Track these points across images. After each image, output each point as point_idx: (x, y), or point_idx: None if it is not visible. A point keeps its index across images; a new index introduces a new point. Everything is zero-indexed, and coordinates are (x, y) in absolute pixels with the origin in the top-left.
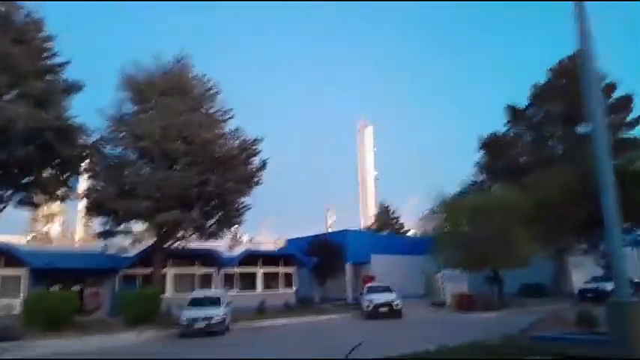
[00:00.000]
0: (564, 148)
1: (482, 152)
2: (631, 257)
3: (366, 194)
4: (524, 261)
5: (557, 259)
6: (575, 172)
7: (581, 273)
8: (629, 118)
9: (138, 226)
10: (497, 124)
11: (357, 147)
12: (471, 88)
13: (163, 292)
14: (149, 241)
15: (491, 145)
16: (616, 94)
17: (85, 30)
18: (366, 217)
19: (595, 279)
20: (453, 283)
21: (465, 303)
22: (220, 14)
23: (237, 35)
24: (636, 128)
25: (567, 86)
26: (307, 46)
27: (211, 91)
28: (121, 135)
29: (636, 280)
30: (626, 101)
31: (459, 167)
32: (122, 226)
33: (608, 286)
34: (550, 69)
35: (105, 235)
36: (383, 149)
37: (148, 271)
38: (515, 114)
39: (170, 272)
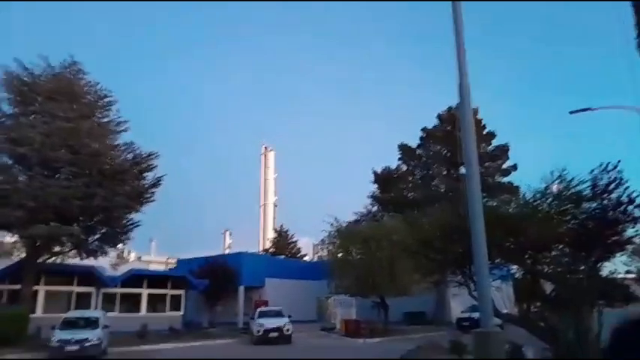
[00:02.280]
0: (446, 187)
1: (375, 185)
2: (502, 290)
3: (266, 218)
4: (407, 289)
5: (437, 289)
6: (454, 210)
7: (459, 303)
8: (505, 166)
9: (8, 238)
10: (391, 159)
11: (260, 171)
12: (368, 123)
13: (33, 311)
14: (19, 254)
15: (384, 178)
16: (495, 143)
17: None
18: (265, 241)
19: (471, 308)
20: (343, 308)
21: (353, 328)
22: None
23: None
24: (511, 175)
25: (452, 132)
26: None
27: (105, 100)
28: None
29: (505, 311)
30: (502, 150)
31: (355, 197)
32: None
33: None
34: (439, 115)
35: None
36: (284, 175)
37: (16, 287)
38: (406, 152)
39: (42, 290)
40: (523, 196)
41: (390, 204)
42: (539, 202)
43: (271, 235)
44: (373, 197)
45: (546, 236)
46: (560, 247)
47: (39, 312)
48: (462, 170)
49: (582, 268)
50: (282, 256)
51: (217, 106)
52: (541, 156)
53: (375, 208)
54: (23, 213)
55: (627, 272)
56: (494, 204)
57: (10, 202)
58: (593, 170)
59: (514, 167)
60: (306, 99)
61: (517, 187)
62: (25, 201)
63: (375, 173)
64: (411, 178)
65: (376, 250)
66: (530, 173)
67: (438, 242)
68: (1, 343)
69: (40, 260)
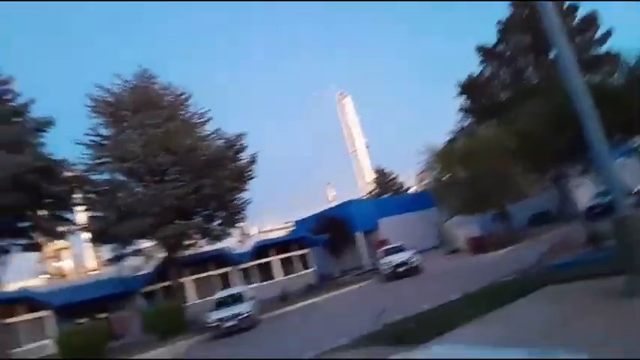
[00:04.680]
0: (539, 76)
1: (463, 97)
2: (628, 167)
3: (359, 163)
4: (525, 193)
5: (557, 184)
6: (555, 98)
7: (584, 192)
8: (597, 35)
9: (146, 244)
10: (473, 67)
11: (340, 119)
12: (439, 38)
13: (186, 300)
14: (160, 255)
15: (470, 87)
16: (579, 16)
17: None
18: (365, 186)
19: (599, 195)
20: (464, 228)
21: (479, 245)
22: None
23: (194, 26)
24: (607, 43)
25: (530, 15)
26: (276, 23)
27: (182, 97)
28: (103, 160)
29: (637, 189)
30: (590, 20)
31: (445, 116)
32: (130, 248)
33: None
34: (511, 3)
35: (115, 259)
36: (365, 116)
37: (167, 283)
38: (486, 53)
39: (189, 280)
40: (626, 64)
41: (482, 112)
42: None
43: (370, 178)
44: (463, 110)
45: None
46: None
47: (191, 300)
48: (552, 55)
49: None
50: (387, 195)
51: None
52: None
53: (467, 122)
54: (151, 219)
55: None
56: (597, 80)
57: (137, 214)
58: None
59: (608, 34)
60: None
61: (617, 55)
62: (150, 209)
63: (459, 85)
64: (497, 80)
65: (481, 163)
66: (631, 33)
67: (545, 136)
68: (166, 333)
69: (178, 255)
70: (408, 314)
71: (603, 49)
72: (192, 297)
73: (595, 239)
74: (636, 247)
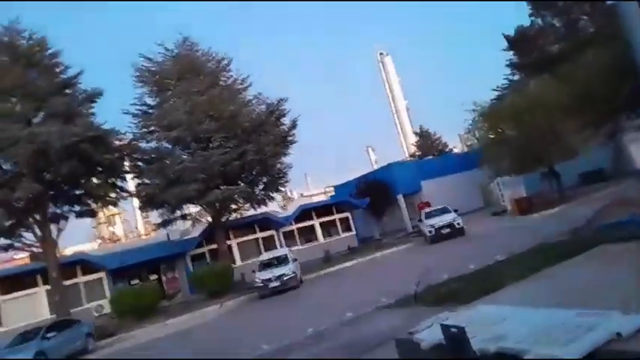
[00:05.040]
0: (596, 25)
1: (511, 51)
2: None
3: (402, 124)
4: (577, 151)
5: (612, 140)
6: (613, 48)
7: None
8: None
9: (193, 209)
10: (522, 19)
11: (382, 79)
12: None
13: (233, 262)
14: (207, 219)
15: (520, 40)
16: None
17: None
18: (408, 147)
19: None
20: (510, 188)
21: (526, 206)
22: None
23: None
24: None
25: None
26: None
27: (223, 63)
28: (151, 129)
29: None
30: None
31: (491, 73)
32: (178, 212)
33: None
34: None
35: (164, 224)
36: (408, 74)
37: (213, 246)
38: (538, 2)
39: (234, 243)
40: None
41: (532, 67)
42: None
43: (412, 139)
44: (512, 65)
45: None
46: None
47: (237, 262)
48: (609, 1)
49: None
50: (430, 157)
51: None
52: None
53: (516, 77)
54: (198, 185)
55: None
56: None
57: (185, 180)
58: None
59: None
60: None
61: None
62: (196, 175)
63: (507, 38)
64: (550, 30)
65: (530, 120)
66: None
67: (603, 88)
68: (216, 293)
69: (224, 219)
70: (452, 275)
71: None
72: (238, 259)
73: None
74: None
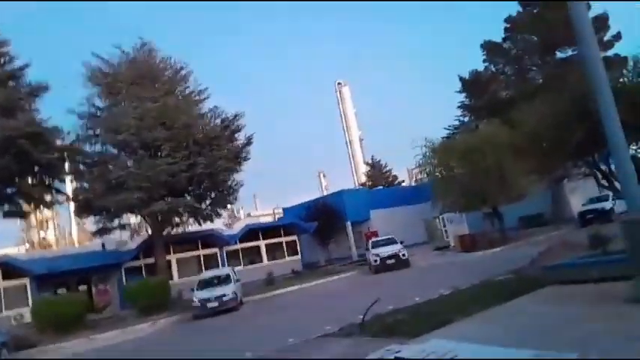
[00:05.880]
0: (545, 76)
1: (464, 93)
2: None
3: (354, 153)
4: (522, 193)
5: (555, 186)
6: (562, 98)
7: (579, 197)
8: (606, 38)
9: (133, 219)
10: (477, 63)
11: (338, 108)
12: (445, 34)
13: (171, 278)
14: (147, 231)
15: (473, 83)
16: (589, 15)
17: (35, 29)
18: (358, 176)
19: (592, 200)
20: (454, 225)
21: (469, 243)
22: None
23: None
24: (615, 46)
25: (539, 14)
26: (274, 11)
27: (182, 72)
28: (97, 132)
29: None
30: (600, 21)
31: (443, 112)
32: (116, 221)
33: (607, 205)
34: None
35: (100, 232)
36: (364, 105)
37: (151, 260)
38: (492, 49)
39: (174, 258)
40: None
41: (482, 110)
42: None
43: (364, 169)
44: (463, 107)
45: None
46: None
47: (175, 278)
48: (559, 55)
49: None
50: (380, 187)
51: (288, 50)
52: None
53: (467, 118)
54: (141, 194)
55: None
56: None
57: (128, 187)
58: None
59: (617, 37)
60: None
61: (625, 58)
62: (140, 183)
63: (462, 80)
64: (502, 77)
65: (479, 160)
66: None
67: (552, 135)
68: (150, 309)
69: (165, 233)
70: (397, 306)
71: (611, 52)
72: (176, 275)
73: (599, 241)
74: None
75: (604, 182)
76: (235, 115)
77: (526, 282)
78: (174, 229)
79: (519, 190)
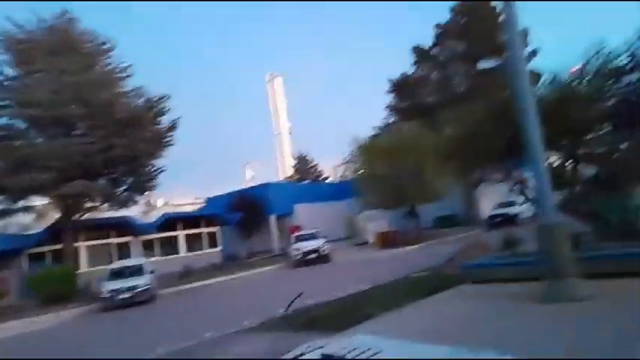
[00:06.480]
0: (467, 85)
1: (393, 94)
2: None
3: (282, 147)
4: (440, 195)
5: (471, 190)
6: (484, 106)
7: (489, 201)
8: (525, 53)
9: (39, 201)
10: (407, 66)
11: (269, 100)
12: (380, 33)
13: (78, 267)
14: (55, 215)
15: (401, 86)
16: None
17: None
18: (284, 170)
19: (501, 205)
20: (374, 222)
21: (388, 240)
22: None
23: None
24: (532, 61)
25: (467, 25)
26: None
27: (104, 47)
28: (5, 103)
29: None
30: (521, 36)
31: (373, 112)
32: (21, 203)
33: (514, 210)
34: (452, 8)
35: (2, 214)
36: (295, 102)
37: (58, 247)
38: (421, 54)
39: (83, 246)
40: (556, 79)
41: (408, 112)
42: (576, 82)
43: (290, 163)
44: (391, 108)
45: (587, 117)
46: (602, 127)
47: (84, 267)
48: (481, 65)
49: (626, 145)
50: (306, 182)
51: (220, 37)
52: (567, 35)
53: (393, 119)
54: (50, 174)
55: None
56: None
57: (35, 166)
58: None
59: (534, 53)
60: (307, 23)
61: (539, 75)
62: (50, 162)
63: (391, 82)
64: (428, 82)
65: (402, 161)
66: (555, 56)
67: (473, 140)
68: (55, 299)
69: (75, 218)
70: (318, 301)
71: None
72: (85, 264)
73: (511, 243)
74: (557, 254)
75: (516, 188)
76: (161, 97)
77: (444, 279)
78: (86, 215)
79: (437, 192)
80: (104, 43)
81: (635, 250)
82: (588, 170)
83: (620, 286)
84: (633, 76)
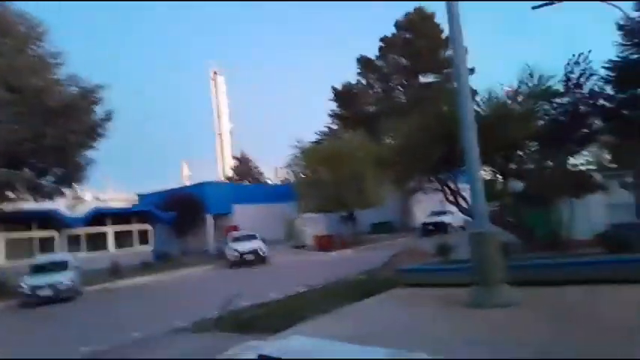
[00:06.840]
0: (407, 97)
1: (335, 102)
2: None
3: (223, 146)
4: (378, 201)
5: (407, 198)
6: (423, 118)
7: (423, 209)
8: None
9: None
10: (351, 74)
11: (212, 98)
12: (326, 39)
13: None
14: None
15: (344, 94)
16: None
17: None
18: (224, 169)
19: (434, 213)
20: (312, 225)
21: (325, 243)
22: None
23: None
24: (469, 79)
25: (411, 40)
26: None
27: (38, 30)
28: None
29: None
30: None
31: (317, 117)
32: None
33: (446, 218)
34: (396, 22)
35: None
36: (238, 102)
37: None
38: (365, 64)
39: (2, 238)
40: (492, 97)
41: (350, 120)
42: (510, 101)
43: (230, 163)
44: (334, 115)
45: (519, 135)
46: (532, 144)
47: (2, 261)
48: (422, 79)
49: (553, 163)
50: (246, 183)
51: (161, 32)
52: (506, 56)
53: (336, 126)
54: None
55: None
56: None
57: None
58: (567, 63)
59: (471, 71)
60: (253, 25)
61: (475, 91)
62: None
63: (334, 90)
64: (371, 92)
65: (342, 167)
66: (493, 75)
67: (412, 150)
68: None
69: None
70: (253, 302)
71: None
72: (3, 258)
73: (444, 250)
74: (488, 261)
75: (451, 198)
76: (96, 86)
77: (379, 282)
78: (7, 205)
79: (375, 199)
80: (38, 26)
81: (558, 261)
82: (517, 185)
83: (543, 294)
84: (564, 99)
